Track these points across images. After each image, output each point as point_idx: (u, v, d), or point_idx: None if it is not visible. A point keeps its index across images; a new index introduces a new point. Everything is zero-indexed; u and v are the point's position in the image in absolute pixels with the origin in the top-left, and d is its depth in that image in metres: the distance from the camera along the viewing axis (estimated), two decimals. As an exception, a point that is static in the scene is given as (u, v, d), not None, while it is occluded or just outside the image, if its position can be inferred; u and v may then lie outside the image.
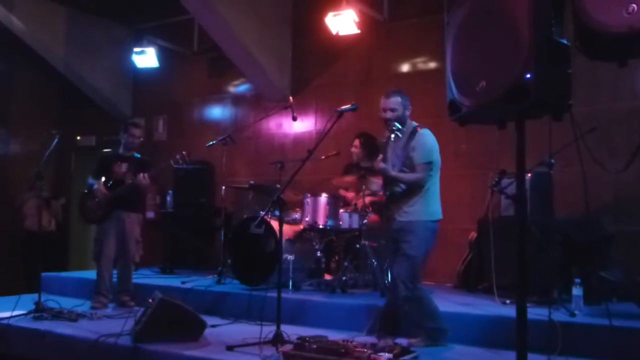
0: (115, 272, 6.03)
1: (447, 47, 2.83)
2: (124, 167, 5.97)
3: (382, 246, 5.90)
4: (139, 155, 6.16)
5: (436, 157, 4.37)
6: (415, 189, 4.31)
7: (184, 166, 5.89)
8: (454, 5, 2.84)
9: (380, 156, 4.42)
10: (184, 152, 5.76)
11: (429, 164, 4.30)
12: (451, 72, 2.79)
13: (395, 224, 4.36)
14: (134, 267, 6.19)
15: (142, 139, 6.22)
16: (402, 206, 4.34)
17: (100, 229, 5.97)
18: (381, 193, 4.71)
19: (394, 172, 4.34)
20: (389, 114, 4.39)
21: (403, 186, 4.36)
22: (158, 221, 8.43)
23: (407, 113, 4.45)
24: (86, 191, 6.02)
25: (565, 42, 2.47)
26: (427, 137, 4.36)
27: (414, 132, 4.35)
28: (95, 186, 5.89)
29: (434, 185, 4.38)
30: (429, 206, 4.32)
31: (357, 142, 6.44)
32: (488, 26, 2.58)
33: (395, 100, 4.39)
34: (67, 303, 5.69)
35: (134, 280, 6.11)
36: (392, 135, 4.44)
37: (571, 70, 2.49)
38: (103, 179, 5.91)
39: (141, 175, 5.71)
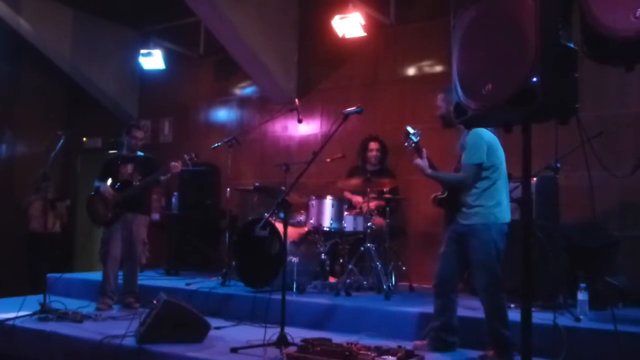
0: (120, 273, 6.05)
1: (453, 50, 2.82)
2: (129, 167, 5.99)
3: (387, 249, 5.90)
4: (142, 154, 6.18)
5: (485, 156, 4.06)
6: (463, 189, 4.14)
7: (189, 168, 5.91)
8: (461, 9, 2.83)
9: (420, 155, 4.34)
10: (192, 154, 5.81)
11: (475, 166, 4.06)
12: (457, 75, 2.78)
13: (458, 227, 4.20)
14: (139, 269, 6.21)
15: (144, 141, 6.25)
16: (462, 208, 4.17)
17: (107, 230, 5.99)
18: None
19: (429, 171, 4.26)
20: (436, 112, 4.37)
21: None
22: (163, 223, 8.45)
23: (452, 109, 4.33)
24: (93, 194, 6.04)
25: (572, 46, 2.46)
26: (474, 137, 4.09)
27: (467, 129, 4.14)
28: (102, 188, 5.90)
29: (493, 187, 4.09)
30: (489, 207, 4.06)
31: (375, 144, 6.44)
32: (495, 29, 2.57)
33: (439, 97, 4.33)
34: (72, 304, 5.71)
35: (139, 282, 6.12)
36: (405, 144, 4.41)
37: (578, 74, 2.48)
38: (110, 181, 5.93)
39: (173, 163, 5.74)
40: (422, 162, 4.29)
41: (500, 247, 4.07)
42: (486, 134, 4.12)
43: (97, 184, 6.03)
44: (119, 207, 5.88)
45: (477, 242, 4.06)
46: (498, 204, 4.09)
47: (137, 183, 5.90)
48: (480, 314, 4.73)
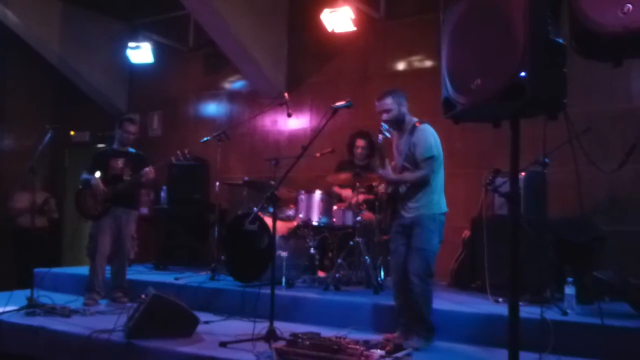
0: (108, 268, 6.02)
1: (442, 45, 2.83)
2: (120, 162, 5.94)
3: (376, 243, 5.90)
4: (134, 151, 6.13)
5: (437, 151, 4.33)
6: (420, 185, 4.29)
7: (181, 162, 5.89)
8: (450, 3, 2.83)
9: (381, 170, 4.45)
10: (185, 150, 5.78)
11: (431, 159, 4.27)
12: (446, 70, 2.78)
13: (403, 220, 4.34)
14: (128, 264, 6.18)
15: (136, 135, 6.19)
16: (407, 202, 4.33)
17: (95, 225, 5.94)
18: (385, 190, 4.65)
19: (394, 176, 4.36)
20: (384, 116, 4.42)
21: (406, 185, 4.36)
22: (152, 217, 8.41)
23: (403, 110, 4.44)
24: (81, 187, 5.98)
25: (561, 41, 2.47)
26: (426, 132, 4.32)
27: (413, 128, 4.34)
28: (93, 181, 5.84)
29: (437, 179, 4.36)
30: (434, 199, 4.30)
31: (362, 142, 6.43)
32: (484, 24, 2.57)
33: (387, 102, 4.40)
34: (59, 299, 5.67)
35: (127, 277, 6.09)
36: (380, 136, 4.50)
37: (566, 69, 2.49)
38: (98, 174, 5.88)
39: (147, 169, 5.70)
40: (385, 172, 4.38)
41: (441, 238, 4.33)
42: (432, 129, 4.37)
43: (85, 176, 5.95)
44: (108, 202, 5.83)
45: (422, 231, 4.24)
46: (440, 195, 4.35)
47: (128, 178, 5.85)
48: (466, 308, 4.78)
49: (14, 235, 9.00)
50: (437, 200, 4.32)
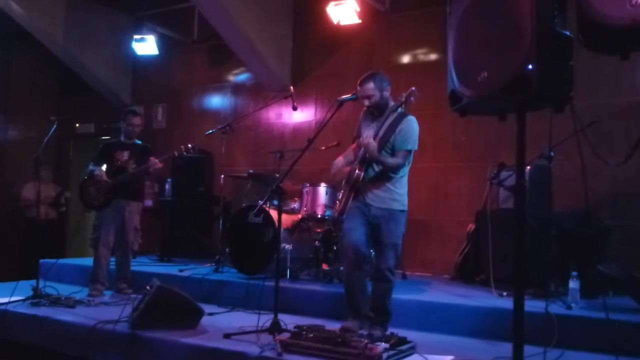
0: (113, 259, 6.04)
1: (448, 38, 2.82)
2: (125, 154, 5.95)
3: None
4: (140, 142, 6.14)
5: (416, 147, 4.30)
6: (389, 173, 4.25)
7: (185, 154, 5.89)
8: (457, -4, 2.82)
9: (370, 132, 4.25)
10: (189, 145, 5.79)
11: (410, 152, 4.27)
12: (453, 62, 2.77)
13: (373, 210, 4.26)
14: (132, 255, 6.20)
15: (141, 127, 6.18)
16: (372, 189, 4.26)
17: (99, 216, 5.98)
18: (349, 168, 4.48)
19: (379, 155, 4.17)
20: (366, 102, 4.36)
21: (377, 168, 4.27)
22: (156, 209, 8.44)
23: (386, 94, 4.36)
24: (86, 177, 6.01)
25: (567, 33, 2.46)
26: (412, 125, 4.26)
27: (402, 115, 4.22)
28: (96, 172, 5.87)
29: (406, 175, 4.36)
30: (404, 193, 4.33)
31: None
32: (490, 16, 2.56)
33: (369, 87, 4.32)
34: (64, 290, 5.70)
35: (132, 268, 6.12)
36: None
37: (573, 62, 2.48)
38: (105, 166, 5.90)
39: (153, 158, 5.70)
40: (372, 143, 4.15)
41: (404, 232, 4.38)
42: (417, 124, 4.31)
43: (91, 167, 5.98)
44: (111, 193, 5.85)
45: (395, 227, 4.25)
46: (407, 191, 4.37)
47: (132, 170, 5.86)
48: (470, 301, 4.78)
49: (24, 227, 9.00)
50: (405, 196, 4.35)
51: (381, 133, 4.23)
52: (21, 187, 9.04)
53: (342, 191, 4.50)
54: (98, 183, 5.86)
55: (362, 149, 4.23)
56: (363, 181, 4.26)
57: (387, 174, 4.26)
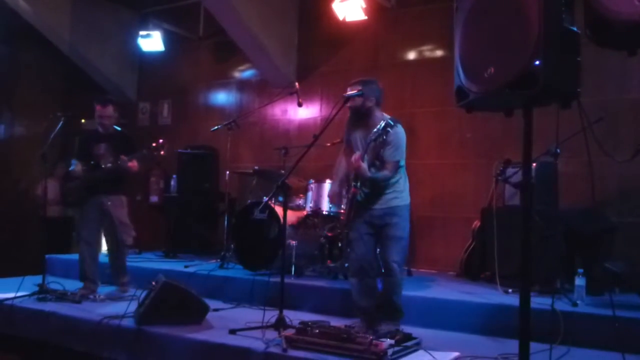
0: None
1: (455, 33, 2.81)
2: (102, 148, 5.63)
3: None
4: (119, 129, 5.81)
5: (405, 155, 4.39)
6: (383, 183, 4.32)
7: (160, 153, 5.43)
8: (463, -9, 2.81)
9: (358, 154, 4.25)
10: (161, 140, 5.40)
11: (398, 162, 4.31)
12: (459, 58, 2.77)
13: (376, 212, 4.32)
14: (126, 250, 5.88)
15: (114, 117, 5.75)
16: (372, 196, 4.34)
17: (79, 213, 5.80)
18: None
19: (369, 174, 4.23)
20: (349, 103, 4.37)
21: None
22: (162, 205, 8.45)
23: (369, 104, 4.34)
24: (65, 174, 5.85)
25: (575, 29, 2.45)
26: (400, 137, 4.29)
27: (387, 127, 4.16)
28: (71, 168, 5.63)
29: (404, 174, 4.44)
30: (404, 191, 4.39)
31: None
32: (497, 12, 2.55)
33: (355, 90, 4.34)
34: (70, 285, 5.70)
35: (137, 264, 6.10)
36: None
37: (580, 58, 2.47)
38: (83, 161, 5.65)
39: (124, 158, 5.35)
40: (363, 167, 4.20)
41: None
42: (404, 132, 4.36)
43: (73, 162, 5.68)
44: (85, 190, 5.60)
45: (399, 220, 4.31)
46: (407, 187, 4.44)
47: (107, 165, 5.53)
48: (476, 298, 4.77)
49: (45, 225, 8.95)
50: (407, 192, 4.42)
51: (369, 150, 4.26)
52: (36, 186, 9.03)
53: (345, 200, 4.65)
54: (76, 180, 5.63)
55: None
56: (361, 195, 4.34)
57: (379, 184, 4.34)
